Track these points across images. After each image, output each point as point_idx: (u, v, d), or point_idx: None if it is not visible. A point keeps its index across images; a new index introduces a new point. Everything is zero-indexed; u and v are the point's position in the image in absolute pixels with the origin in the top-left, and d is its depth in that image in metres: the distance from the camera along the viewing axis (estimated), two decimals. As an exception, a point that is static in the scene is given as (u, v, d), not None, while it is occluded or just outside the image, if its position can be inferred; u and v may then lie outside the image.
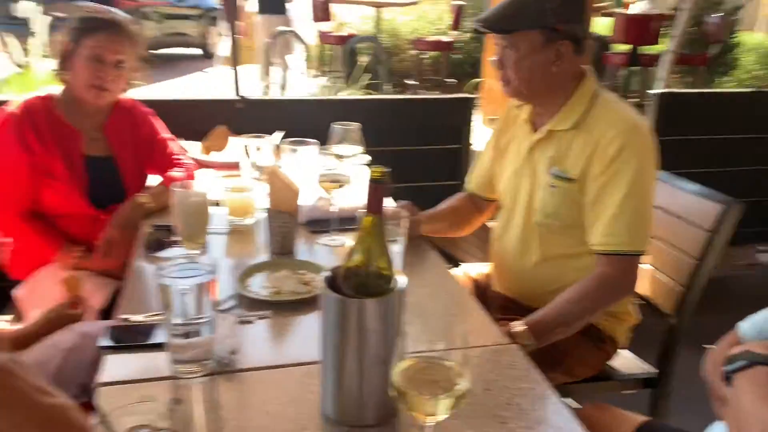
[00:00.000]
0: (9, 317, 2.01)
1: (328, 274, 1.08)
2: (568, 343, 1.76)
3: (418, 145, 3.06)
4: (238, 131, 2.45)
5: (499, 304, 1.96)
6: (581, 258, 1.76)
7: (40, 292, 1.94)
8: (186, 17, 11.48)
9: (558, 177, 1.73)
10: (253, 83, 6.72)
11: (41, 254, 2.02)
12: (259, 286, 1.52)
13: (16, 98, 2.04)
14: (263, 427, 1.09)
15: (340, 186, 1.81)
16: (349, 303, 1.04)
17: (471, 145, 3.21)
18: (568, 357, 1.79)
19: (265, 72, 6.65)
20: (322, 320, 1.07)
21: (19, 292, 2.02)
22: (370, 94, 4.96)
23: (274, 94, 6.28)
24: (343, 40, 7.52)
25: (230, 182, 1.97)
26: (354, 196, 1.80)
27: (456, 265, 2.21)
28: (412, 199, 1.93)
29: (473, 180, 2.11)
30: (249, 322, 1.39)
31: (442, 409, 0.91)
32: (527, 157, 1.84)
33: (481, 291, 2.07)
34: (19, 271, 2.07)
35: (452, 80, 7.63)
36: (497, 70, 1.78)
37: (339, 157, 2.13)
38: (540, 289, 1.81)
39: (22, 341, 1.52)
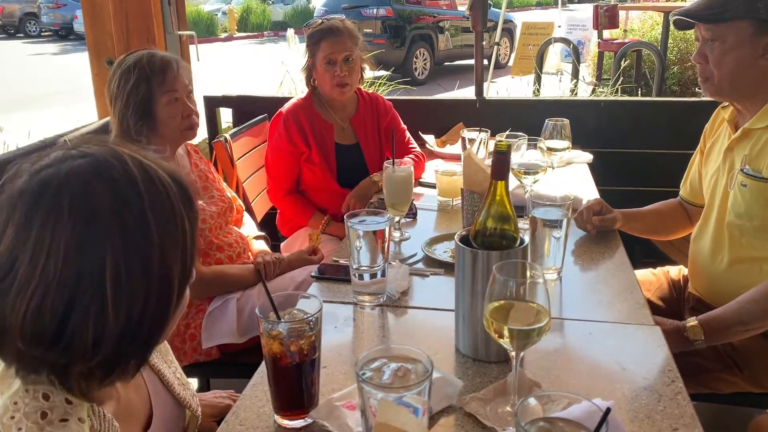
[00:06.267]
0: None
1: (462, 233, 1.32)
2: (756, 348, 1.71)
3: (654, 149, 3.01)
4: (474, 128, 2.75)
5: (691, 305, 1.95)
6: (777, 263, 1.69)
7: (296, 244, 2.49)
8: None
9: (749, 176, 1.69)
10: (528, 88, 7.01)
11: (300, 219, 2.57)
12: (441, 250, 1.81)
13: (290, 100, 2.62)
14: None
15: (534, 175, 2.00)
16: (477, 255, 1.27)
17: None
18: (754, 363, 1.73)
19: (536, 78, 6.87)
20: (456, 271, 1.32)
21: (283, 245, 2.61)
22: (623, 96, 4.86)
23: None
24: (619, 47, 7.34)
25: (441, 167, 2.28)
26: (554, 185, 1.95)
27: (660, 264, 2.21)
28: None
29: (684, 185, 2.10)
30: (424, 275, 1.70)
31: (524, 341, 1.09)
32: (724, 157, 1.81)
33: (678, 292, 2.06)
34: (285, 230, 2.66)
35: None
36: (698, 64, 1.77)
37: (549, 150, 2.31)
38: (731, 293, 1.75)
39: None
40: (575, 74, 6.47)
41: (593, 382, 1.24)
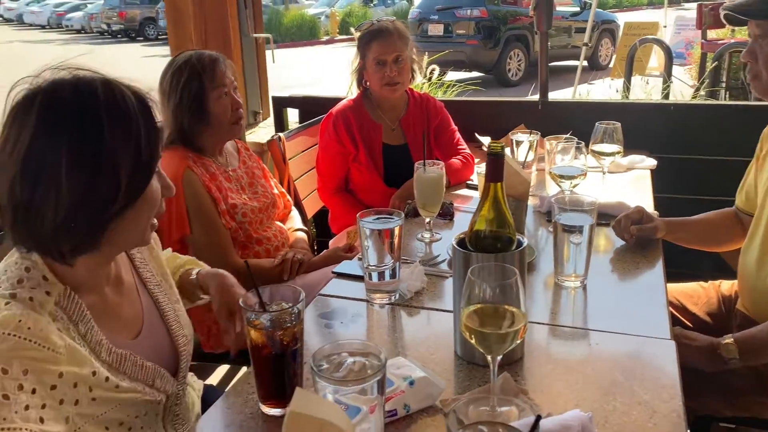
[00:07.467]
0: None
1: (461, 236, 1.31)
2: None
3: (726, 155, 2.82)
4: (536, 130, 2.69)
5: (739, 322, 1.83)
6: (826, 281, 1.55)
7: (343, 241, 2.54)
8: (582, 30, 11.57)
9: (797, 186, 1.57)
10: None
11: (348, 218, 2.62)
12: (466, 251, 1.79)
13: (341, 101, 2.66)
14: (405, 346, 1.38)
15: (571, 180, 1.95)
16: (471, 258, 1.26)
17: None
18: (797, 389, 1.60)
19: (626, 79, 6.58)
20: (454, 274, 1.31)
21: (331, 242, 2.67)
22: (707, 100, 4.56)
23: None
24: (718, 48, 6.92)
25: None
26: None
27: (713, 278, 2.08)
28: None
29: (739, 193, 1.97)
30: (444, 276, 1.69)
31: (497, 345, 1.07)
32: (776, 165, 1.69)
33: (728, 307, 1.94)
34: (335, 227, 2.72)
35: None
36: (747, 62, 1.66)
37: (598, 154, 2.23)
38: (777, 311, 1.65)
39: (313, 265, 2.13)
40: (668, 76, 6.14)
41: (587, 393, 1.19)
